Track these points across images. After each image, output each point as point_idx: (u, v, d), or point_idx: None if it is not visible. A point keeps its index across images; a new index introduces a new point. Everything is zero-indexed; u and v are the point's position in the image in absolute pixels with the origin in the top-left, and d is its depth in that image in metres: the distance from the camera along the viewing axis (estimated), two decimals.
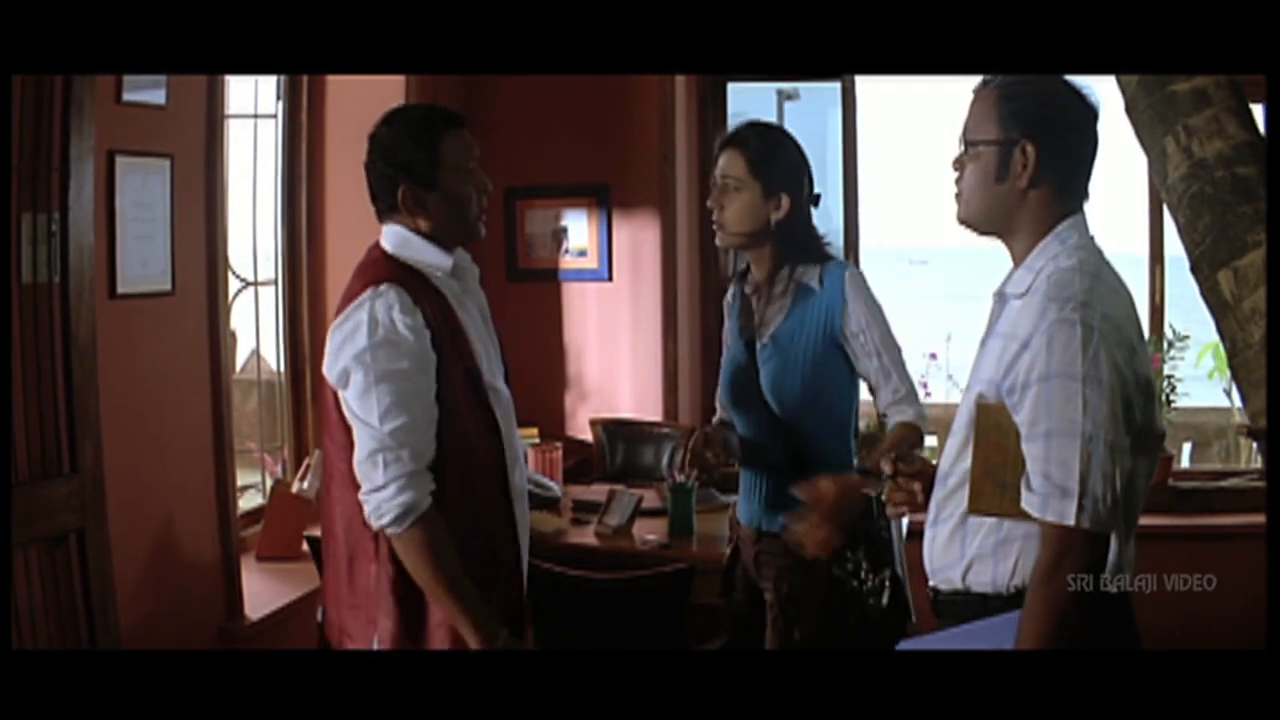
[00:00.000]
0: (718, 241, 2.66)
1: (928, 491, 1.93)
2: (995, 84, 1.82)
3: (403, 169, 2.19)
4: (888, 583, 2.43)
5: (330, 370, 2.15)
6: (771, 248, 2.61)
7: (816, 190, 2.66)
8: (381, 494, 2.09)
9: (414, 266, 2.21)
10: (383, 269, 2.19)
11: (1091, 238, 1.80)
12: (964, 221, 1.87)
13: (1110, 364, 1.64)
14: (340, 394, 2.15)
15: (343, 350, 2.12)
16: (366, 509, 2.11)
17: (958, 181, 1.86)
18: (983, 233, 1.86)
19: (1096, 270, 1.73)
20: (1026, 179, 1.77)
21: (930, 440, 5.69)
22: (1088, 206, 1.85)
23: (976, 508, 1.75)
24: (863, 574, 2.39)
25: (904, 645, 1.92)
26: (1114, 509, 1.64)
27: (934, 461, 1.95)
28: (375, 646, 2.19)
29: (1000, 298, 1.84)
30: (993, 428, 1.73)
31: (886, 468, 1.99)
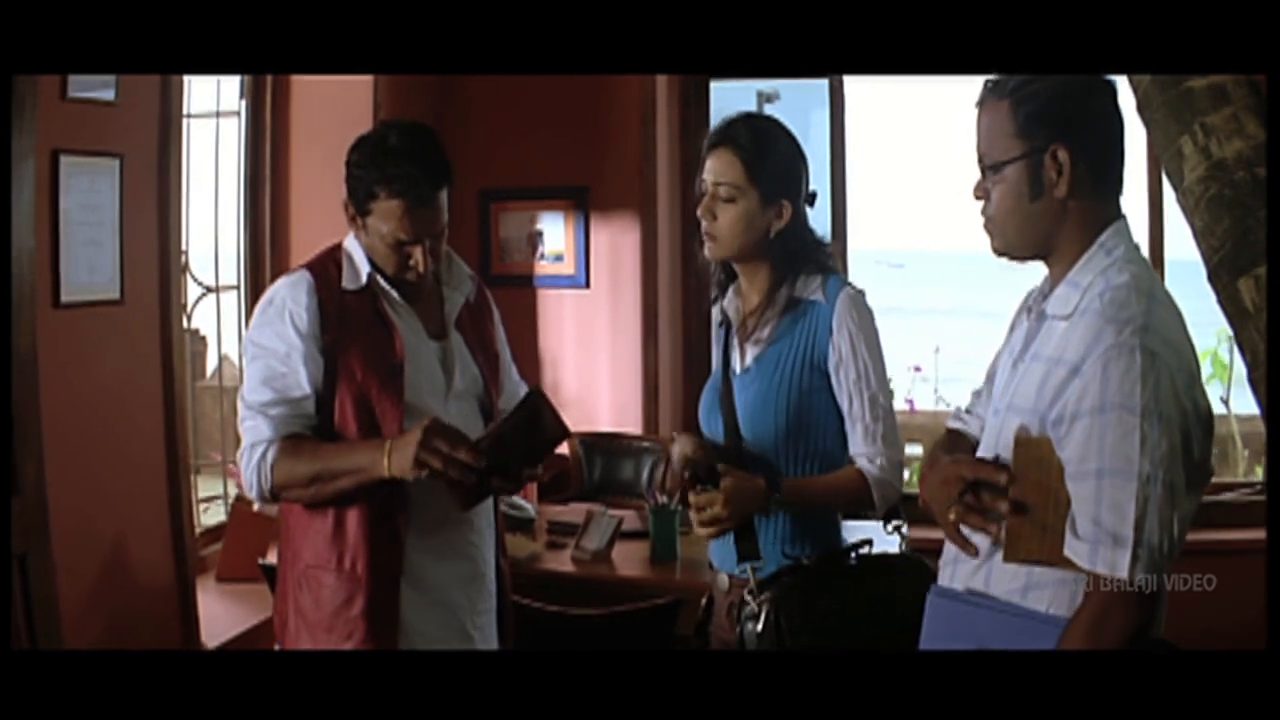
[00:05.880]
0: (707, 254, 2.32)
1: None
2: (1003, 91, 1.63)
3: (348, 183, 2.22)
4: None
5: None
6: (770, 261, 2.30)
7: (812, 188, 2.37)
8: (244, 462, 2.20)
9: (345, 265, 2.27)
10: (316, 256, 2.30)
11: (1136, 246, 1.64)
12: (1002, 252, 1.68)
13: (1171, 395, 1.48)
14: None
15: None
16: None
17: (984, 211, 1.67)
18: (1024, 259, 1.68)
19: (1151, 288, 1.56)
20: (1065, 187, 1.59)
21: (914, 449, 5.57)
22: None
23: (1014, 555, 1.56)
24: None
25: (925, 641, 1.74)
26: (1168, 558, 1.49)
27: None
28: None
29: (1040, 317, 1.66)
30: (1033, 463, 1.55)
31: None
